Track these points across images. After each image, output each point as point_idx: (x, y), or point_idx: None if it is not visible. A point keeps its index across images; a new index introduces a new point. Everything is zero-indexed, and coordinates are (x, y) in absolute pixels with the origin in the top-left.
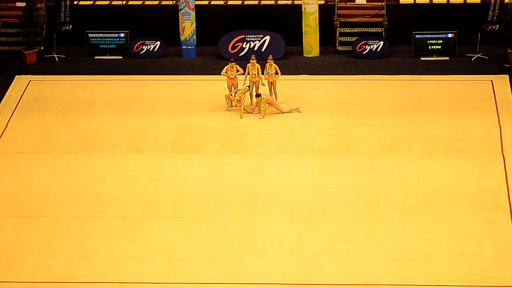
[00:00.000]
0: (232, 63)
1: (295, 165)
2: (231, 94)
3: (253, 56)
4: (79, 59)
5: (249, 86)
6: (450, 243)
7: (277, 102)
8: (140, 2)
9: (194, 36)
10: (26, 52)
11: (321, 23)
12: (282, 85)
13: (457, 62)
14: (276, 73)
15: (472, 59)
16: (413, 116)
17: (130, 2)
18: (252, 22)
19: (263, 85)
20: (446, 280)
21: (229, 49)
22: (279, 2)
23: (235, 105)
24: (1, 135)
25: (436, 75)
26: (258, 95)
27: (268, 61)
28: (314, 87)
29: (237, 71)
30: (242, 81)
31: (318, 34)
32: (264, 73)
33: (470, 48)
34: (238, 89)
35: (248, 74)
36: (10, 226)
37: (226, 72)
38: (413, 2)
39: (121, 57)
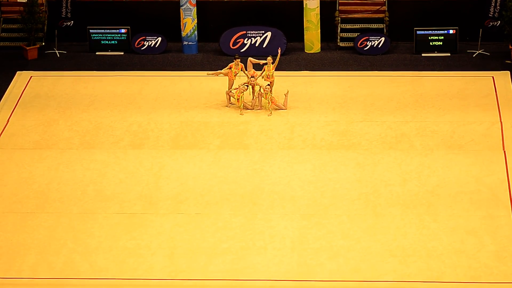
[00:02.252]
0: (237, 60)
1: (296, 161)
2: (231, 91)
3: (269, 59)
4: (80, 55)
5: (247, 85)
6: (451, 240)
7: (277, 100)
8: None
9: (196, 32)
10: (27, 48)
11: (322, 19)
12: (283, 81)
13: (458, 58)
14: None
15: (474, 55)
16: (414, 112)
17: None
18: (254, 18)
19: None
20: (447, 277)
21: (231, 45)
22: None
23: (235, 103)
24: (2, 131)
25: (437, 71)
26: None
27: (267, 63)
28: (315, 83)
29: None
30: (240, 79)
31: (319, 30)
32: (263, 74)
33: (471, 44)
34: (236, 87)
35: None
36: (11, 222)
37: (230, 68)
38: None
39: (122, 53)
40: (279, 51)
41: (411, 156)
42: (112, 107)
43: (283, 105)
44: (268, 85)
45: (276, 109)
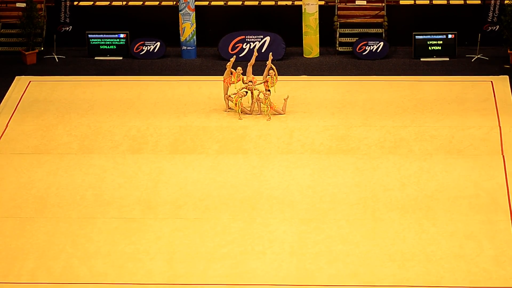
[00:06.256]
0: (240, 71)
1: (295, 166)
2: (230, 96)
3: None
4: (79, 59)
5: (246, 91)
6: (450, 244)
7: (275, 105)
8: (140, 3)
9: (194, 37)
10: (26, 53)
11: (321, 24)
12: (282, 86)
13: (457, 63)
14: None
15: (472, 60)
16: (413, 117)
17: (130, 3)
18: (252, 23)
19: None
20: (446, 281)
21: (229, 50)
22: (279, 3)
23: (233, 108)
24: (1, 136)
25: (436, 76)
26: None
27: (270, 74)
28: (314, 88)
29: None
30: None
31: (318, 35)
32: (268, 80)
33: (470, 49)
34: (235, 92)
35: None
36: (10, 227)
37: (231, 73)
38: (413, 3)
39: (121, 58)
40: (270, 56)
41: (410, 161)
42: (111, 112)
43: (282, 110)
44: (268, 90)
45: (274, 114)
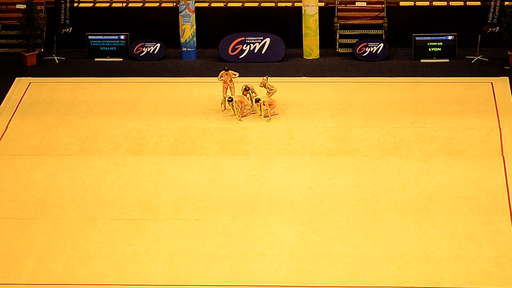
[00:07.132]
0: (227, 71)
1: (295, 167)
2: (224, 98)
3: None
4: (79, 61)
5: (231, 97)
6: (450, 245)
7: (276, 102)
8: (140, 4)
9: (194, 38)
10: (26, 54)
11: (321, 25)
12: (282, 87)
13: (457, 64)
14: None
15: (472, 61)
16: (413, 118)
17: (130, 4)
18: (252, 24)
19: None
20: (446, 282)
21: (229, 51)
22: (279, 4)
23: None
24: (1, 137)
25: (436, 77)
26: (257, 100)
27: (262, 81)
28: (314, 89)
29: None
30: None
31: (318, 36)
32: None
33: (470, 50)
34: (224, 97)
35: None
36: (10, 228)
37: (221, 78)
38: (413, 4)
39: (121, 59)
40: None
41: (410, 162)
42: (111, 113)
43: (272, 112)
44: (258, 101)
45: (274, 114)
